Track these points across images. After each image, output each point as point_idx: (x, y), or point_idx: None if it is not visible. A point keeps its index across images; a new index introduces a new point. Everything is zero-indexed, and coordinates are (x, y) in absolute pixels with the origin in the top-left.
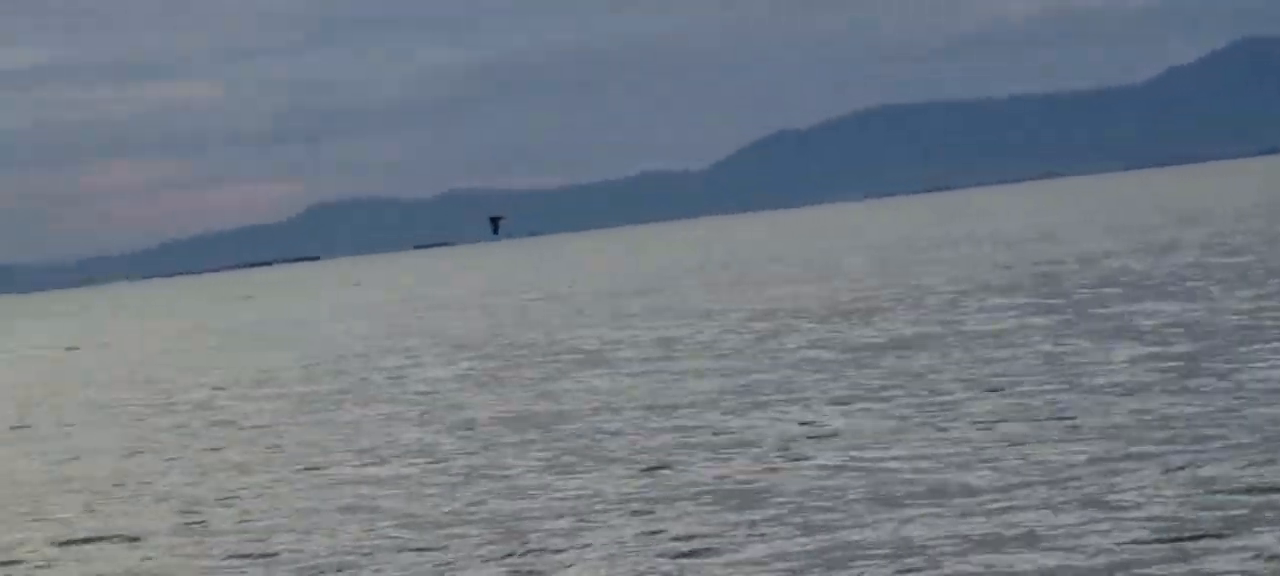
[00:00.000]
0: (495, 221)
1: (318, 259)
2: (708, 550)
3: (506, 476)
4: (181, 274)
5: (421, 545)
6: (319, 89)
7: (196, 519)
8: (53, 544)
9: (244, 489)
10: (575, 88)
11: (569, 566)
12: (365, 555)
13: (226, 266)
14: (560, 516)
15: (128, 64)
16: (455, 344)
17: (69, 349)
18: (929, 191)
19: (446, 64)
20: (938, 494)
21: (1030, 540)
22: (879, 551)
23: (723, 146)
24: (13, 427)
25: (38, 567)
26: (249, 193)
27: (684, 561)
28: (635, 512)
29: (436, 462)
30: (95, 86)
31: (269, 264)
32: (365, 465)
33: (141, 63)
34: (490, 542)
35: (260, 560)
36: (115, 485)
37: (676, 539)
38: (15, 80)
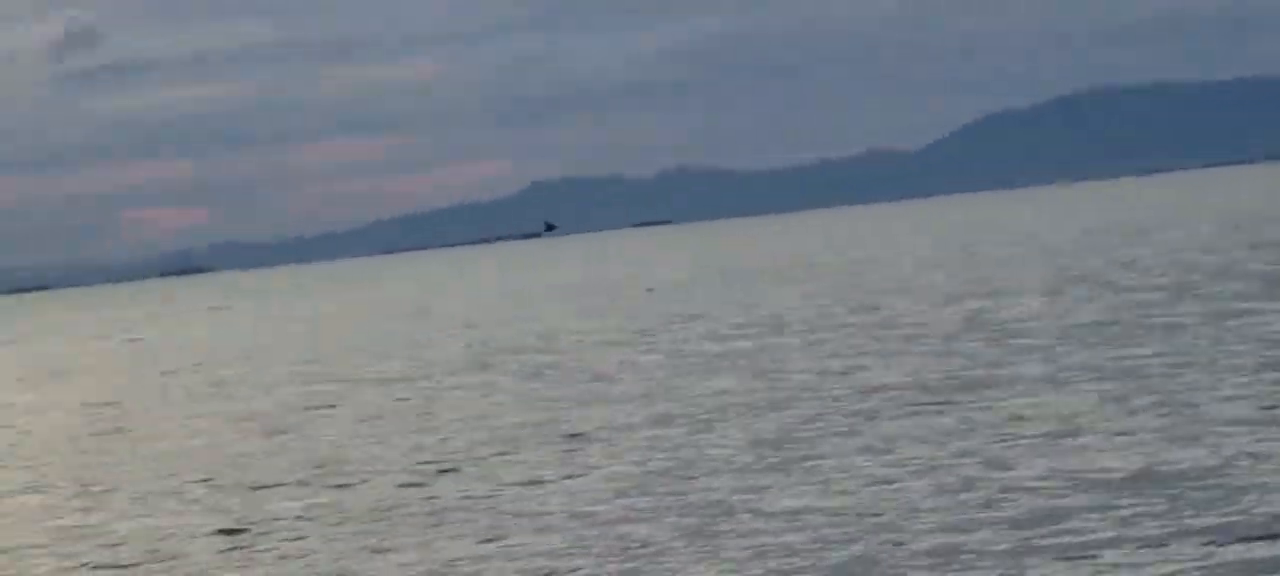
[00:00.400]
0: (548, 226)
1: (539, 236)
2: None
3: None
4: (402, 250)
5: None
6: (540, 67)
7: (423, 491)
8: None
9: (460, 460)
10: (794, 68)
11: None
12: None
13: (448, 243)
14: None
15: (351, 41)
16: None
17: (284, 321)
18: (1146, 173)
19: (667, 44)
20: (1149, 477)
21: (1256, 529)
22: (1088, 532)
23: (940, 127)
24: (212, 385)
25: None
26: (470, 171)
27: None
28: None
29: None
30: (319, 64)
31: (491, 241)
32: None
33: (364, 40)
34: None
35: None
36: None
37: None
38: (241, 57)
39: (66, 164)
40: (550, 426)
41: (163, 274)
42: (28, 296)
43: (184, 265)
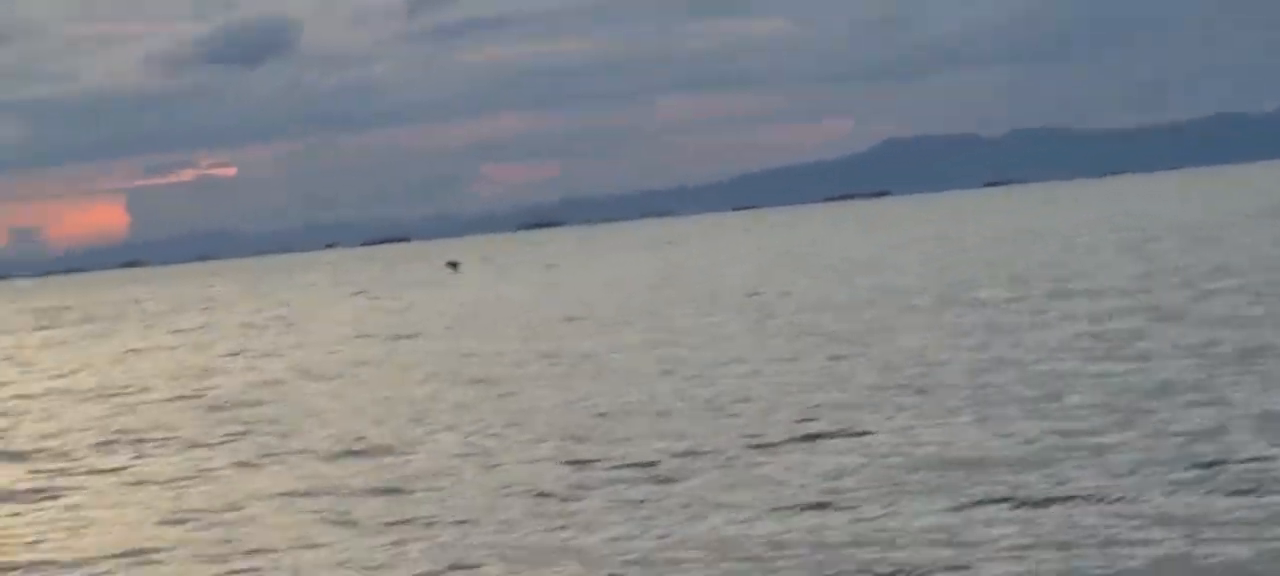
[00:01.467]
0: (453, 264)
1: (887, 194)
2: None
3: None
4: (748, 207)
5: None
6: (891, 26)
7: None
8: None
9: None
10: (1144, 27)
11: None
12: None
13: (795, 201)
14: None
15: None
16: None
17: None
18: None
19: (1019, 5)
20: None
21: None
22: None
23: None
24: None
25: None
26: (819, 128)
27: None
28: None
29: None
30: (667, 19)
31: (840, 199)
32: None
33: None
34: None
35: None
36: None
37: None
38: (595, 12)
39: (423, 119)
40: None
41: (516, 227)
42: (394, 246)
43: (537, 218)
